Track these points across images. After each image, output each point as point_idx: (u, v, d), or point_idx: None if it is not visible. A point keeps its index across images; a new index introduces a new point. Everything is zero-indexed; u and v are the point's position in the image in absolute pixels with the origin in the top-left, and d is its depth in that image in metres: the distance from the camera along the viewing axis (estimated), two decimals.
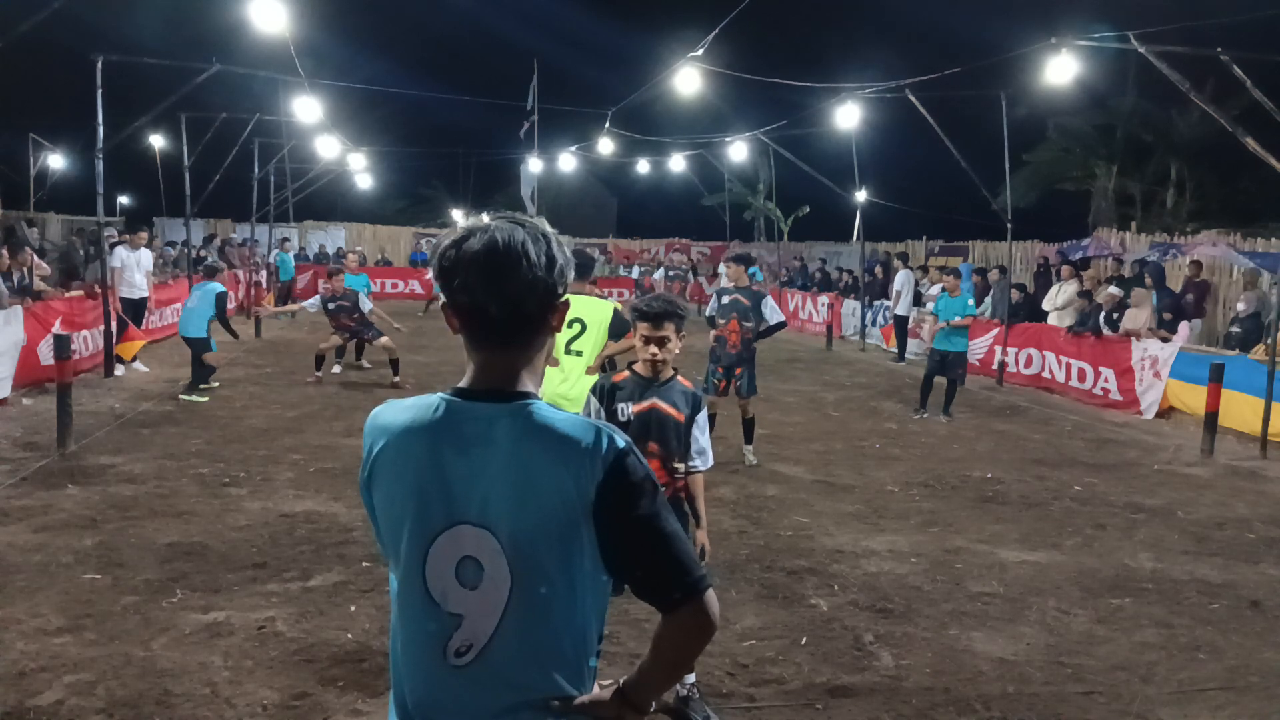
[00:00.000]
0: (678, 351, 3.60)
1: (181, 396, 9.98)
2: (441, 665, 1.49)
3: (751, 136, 20.46)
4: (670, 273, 27.13)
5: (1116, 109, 22.45)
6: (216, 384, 10.70)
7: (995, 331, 14.10)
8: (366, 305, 11.64)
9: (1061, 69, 10.52)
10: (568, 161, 27.10)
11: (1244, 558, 5.96)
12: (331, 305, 11.57)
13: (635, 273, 28.16)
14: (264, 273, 21.81)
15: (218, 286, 10.59)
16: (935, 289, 13.47)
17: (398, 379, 11.42)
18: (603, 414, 3.60)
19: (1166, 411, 10.94)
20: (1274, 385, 8.97)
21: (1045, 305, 14.31)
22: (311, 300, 12.11)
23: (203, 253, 20.38)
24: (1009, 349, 13.62)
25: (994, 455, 8.78)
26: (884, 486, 7.43)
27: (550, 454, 1.45)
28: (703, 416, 3.72)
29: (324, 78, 18.03)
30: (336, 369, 12.29)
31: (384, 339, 11.79)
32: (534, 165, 26.29)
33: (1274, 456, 8.97)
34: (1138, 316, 11.81)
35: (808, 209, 29.81)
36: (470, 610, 1.47)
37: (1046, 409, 11.60)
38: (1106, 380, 11.80)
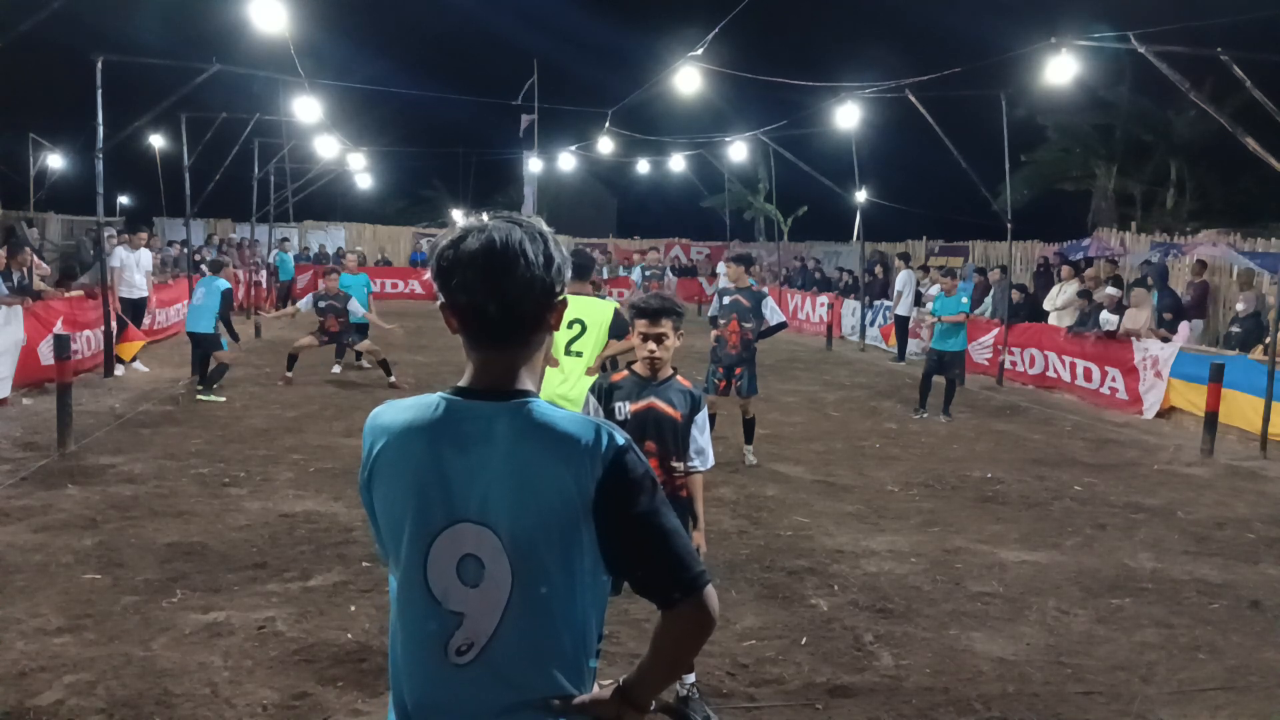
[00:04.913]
0: (678, 344, 3.62)
1: (199, 397, 9.98)
2: (443, 664, 1.49)
3: (751, 136, 20.46)
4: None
5: (1116, 109, 22.44)
6: (215, 385, 10.70)
7: (996, 331, 14.10)
8: (358, 311, 11.46)
9: (1061, 69, 10.52)
10: (568, 161, 27.06)
11: (1244, 558, 5.96)
12: (322, 304, 11.41)
13: (635, 274, 26.50)
14: (264, 273, 21.81)
15: (224, 283, 10.65)
16: (934, 289, 13.48)
17: (393, 379, 11.38)
18: (601, 414, 3.60)
19: (1166, 411, 10.94)
20: (1274, 385, 8.97)
21: (1046, 305, 14.31)
22: (305, 299, 12.05)
23: (205, 252, 20.38)
24: (1011, 349, 13.62)
25: (994, 455, 8.78)
26: (884, 486, 7.43)
27: (550, 452, 1.46)
28: (701, 416, 3.71)
29: (324, 78, 18.00)
30: (336, 369, 12.30)
31: (364, 343, 11.74)
32: (534, 165, 26.20)
33: (1274, 456, 8.96)
34: (1138, 316, 11.81)
35: (805, 209, 29.81)
36: (471, 608, 1.47)
37: (1046, 409, 11.59)
38: (1109, 379, 11.79)
